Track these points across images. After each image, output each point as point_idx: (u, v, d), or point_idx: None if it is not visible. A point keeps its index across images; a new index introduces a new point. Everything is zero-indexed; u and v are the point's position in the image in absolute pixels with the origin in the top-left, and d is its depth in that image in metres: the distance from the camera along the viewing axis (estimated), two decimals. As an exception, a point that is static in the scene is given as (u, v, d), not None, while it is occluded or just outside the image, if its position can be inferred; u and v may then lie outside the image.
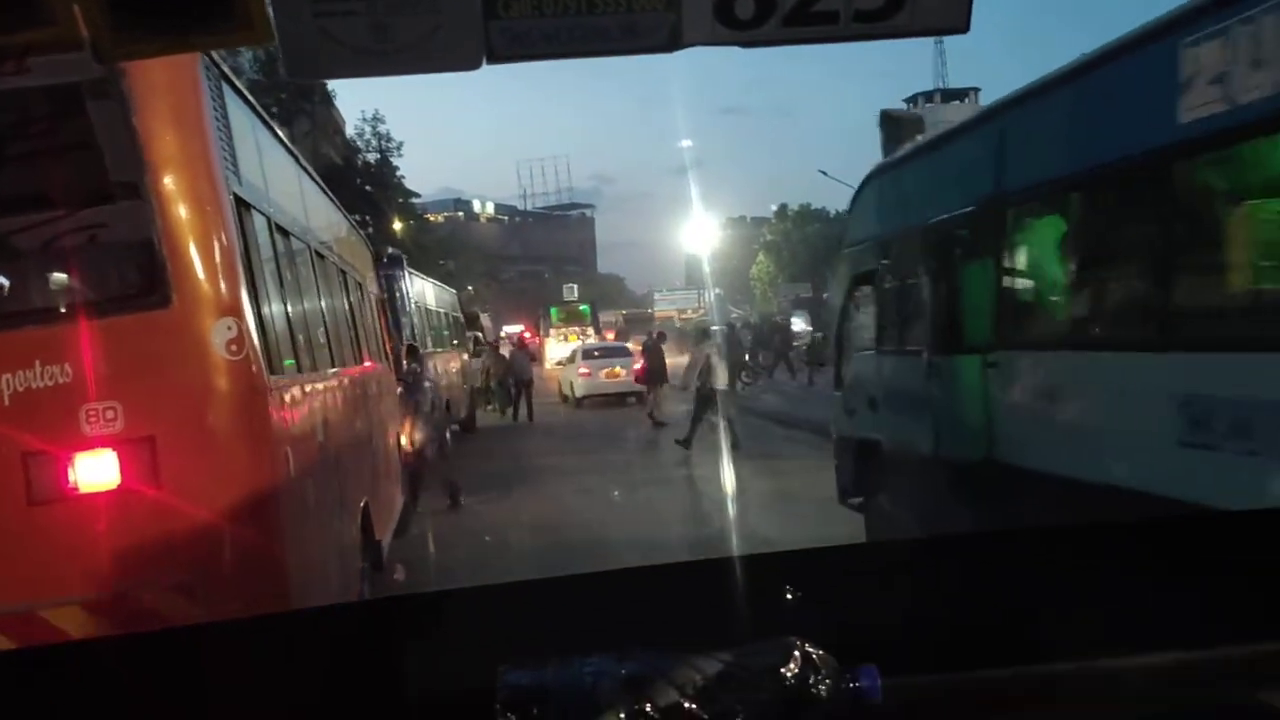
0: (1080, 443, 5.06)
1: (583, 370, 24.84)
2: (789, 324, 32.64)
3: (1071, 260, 5.45)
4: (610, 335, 41.06)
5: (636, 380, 20.57)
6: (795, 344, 28.05)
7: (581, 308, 50.77)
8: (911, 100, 76.20)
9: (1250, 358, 4.00)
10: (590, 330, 45.31)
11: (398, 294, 15.30)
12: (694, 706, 0.95)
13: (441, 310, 20.57)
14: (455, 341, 21.43)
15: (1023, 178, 5.66)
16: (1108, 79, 5.09)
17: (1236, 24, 3.93)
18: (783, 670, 0.98)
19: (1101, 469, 4.70)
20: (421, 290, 18.00)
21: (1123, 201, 5.06)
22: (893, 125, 9.73)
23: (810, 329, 27.64)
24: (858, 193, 8.52)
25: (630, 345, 28.02)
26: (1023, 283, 5.95)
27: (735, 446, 14.27)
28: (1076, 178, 5.19)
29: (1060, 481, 5.06)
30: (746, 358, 25.52)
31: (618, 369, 24.38)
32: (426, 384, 11.22)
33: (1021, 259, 5.91)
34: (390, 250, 18.49)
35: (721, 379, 15.78)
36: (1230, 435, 3.98)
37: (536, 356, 31.48)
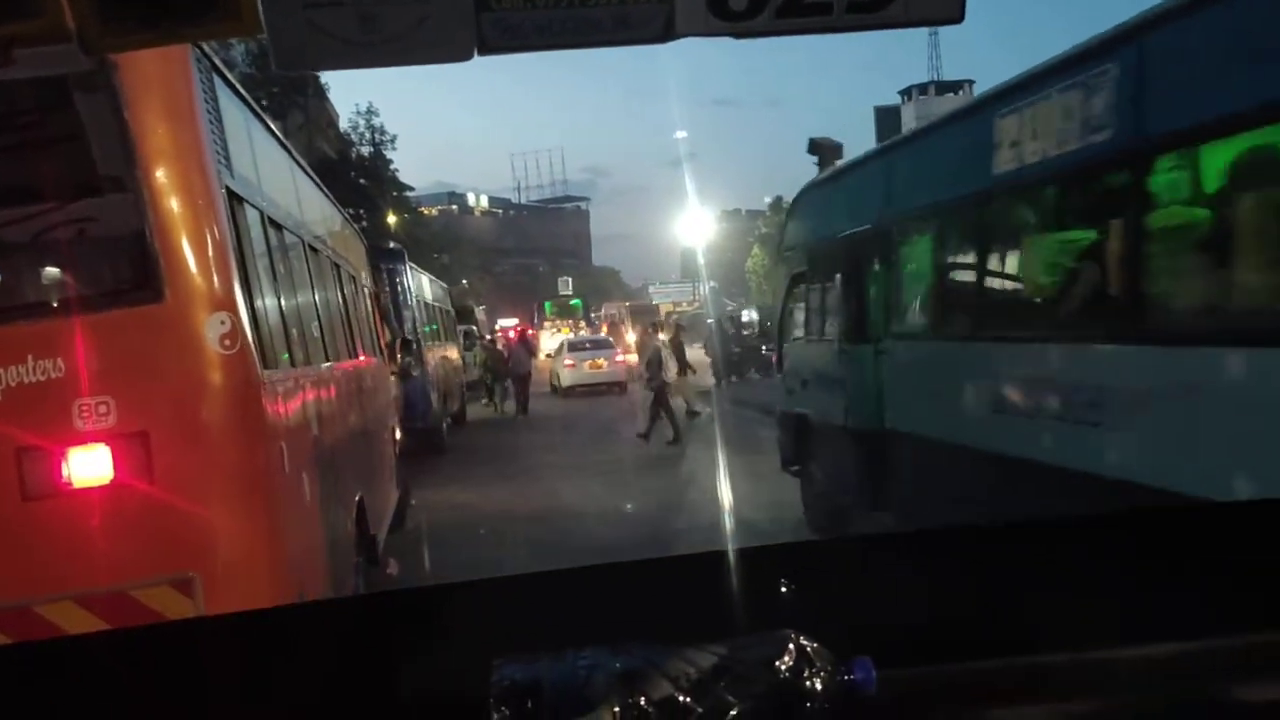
0: (940, 412, 6.54)
1: (568, 362, 26.59)
2: (739, 316, 33.28)
3: (929, 270, 7.10)
4: (605, 329, 41.24)
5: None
6: (745, 334, 28.36)
7: (573, 302, 51.47)
8: (906, 93, 76.20)
9: (1046, 347, 5.47)
10: (583, 323, 45.80)
11: (399, 287, 15.28)
12: (688, 700, 0.94)
13: (436, 304, 20.58)
14: (447, 335, 21.46)
15: (900, 204, 7.34)
16: (952, 134, 6.94)
17: (1027, 105, 5.55)
18: (777, 663, 0.97)
19: (959, 433, 6.17)
20: (419, 284, 18.01)
21: (957, 227, 6.64)
22: (818, 150, 11.25)
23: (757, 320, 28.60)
24: (791, 206, 10.49)
25: (630, 337, 28.51)
26: (899, 286, 7.50)
27: (676, 439, 14.55)
28: (931, 207, 6.87)
29: (932, 444, 6.53)
30: (764, 350, 25.60)
31: (600, 361, 26.22)
32: (426, 377, 11.31)
33: (899, 267, 7.49)
34: (392, 244, 18.49)
35: (671, 371, 15.92)
36: (1025, 403, 5.49)
37: (535, 351, 31.79)
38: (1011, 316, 6.02)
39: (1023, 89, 5.69)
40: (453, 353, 21.01)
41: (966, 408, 6.09)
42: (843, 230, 8.08)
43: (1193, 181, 4.55)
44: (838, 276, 8.17)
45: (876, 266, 7.64)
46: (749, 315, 32.90)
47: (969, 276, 6.45)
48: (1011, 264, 6.18)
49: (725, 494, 10.16)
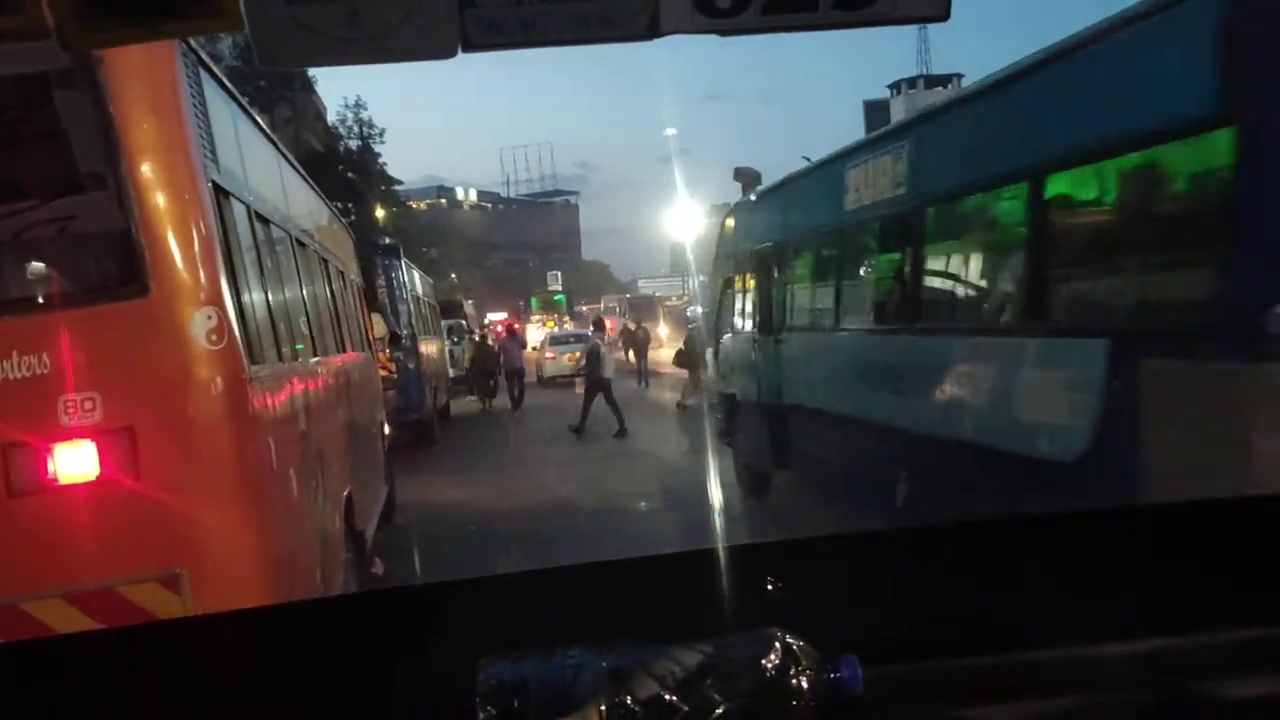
0: (814, 387, 8.56)
1: (549, 354, 28.89)
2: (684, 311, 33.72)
3: (808, 278, 9.29)
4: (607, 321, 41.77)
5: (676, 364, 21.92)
6: (691, 328, 28.70)
7: (556, 297, 52.58)
8: (894, 87, 76.23)
9: (889, 337, 7.16)
10: (567, 318, 46.63)
11: (395, 283, 15.26)
12: (674, 698, 0.95)
13: (425, 299, 20.55)
14: (433, 330, 21.43)
15: (791, 226, 9.50)
16: (822, 176, 8.83)
17: (869, 159, 7.50)
18: (763, 661, 0.97)
19: (825, 403, 8.27)
20: (412, 279, 18.02)
21: (823, 247, 8.84)
22: (741, 178, 13.26)
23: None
24: (722, 223, 12.62)
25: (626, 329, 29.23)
26: (790, 290, 9.53)
27: (621, 432, 14.73)
28: (809, 231, 9.08)
29: (811, 413, 8.49)
30: None
31: (578, 353, 27.60)
32: (420, 370, 11.49)
33: (792, 275, 9.56)
34: (387, 240, 18.48)
35: (609, 368, 16.09)
36: (865, 378, 7.39)
37: (524, 344, 32.05)
38: (854, 313, 7.94)
39: (859, 151, 7.87)
40: (436, 347, 20.98)
41: (829, 383, 8.22)
42: (756, 244, 10.25)
43: (955, 226, 6.66)
44: (752, 281, 10.25)
45: (777, 274, 9.67)
46: (692, 311, 33.66)
47: (830, 283, 8.52)
48: (854, 275, 8.22)
49: (679, 463, 12.68)
